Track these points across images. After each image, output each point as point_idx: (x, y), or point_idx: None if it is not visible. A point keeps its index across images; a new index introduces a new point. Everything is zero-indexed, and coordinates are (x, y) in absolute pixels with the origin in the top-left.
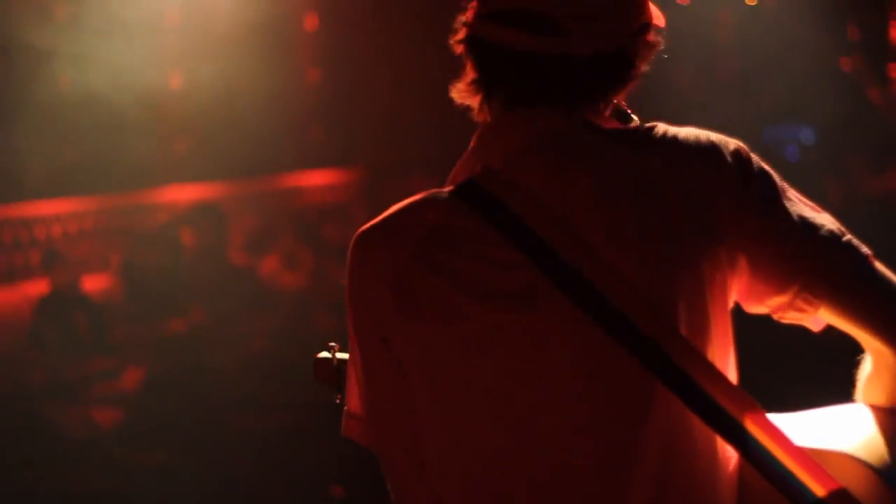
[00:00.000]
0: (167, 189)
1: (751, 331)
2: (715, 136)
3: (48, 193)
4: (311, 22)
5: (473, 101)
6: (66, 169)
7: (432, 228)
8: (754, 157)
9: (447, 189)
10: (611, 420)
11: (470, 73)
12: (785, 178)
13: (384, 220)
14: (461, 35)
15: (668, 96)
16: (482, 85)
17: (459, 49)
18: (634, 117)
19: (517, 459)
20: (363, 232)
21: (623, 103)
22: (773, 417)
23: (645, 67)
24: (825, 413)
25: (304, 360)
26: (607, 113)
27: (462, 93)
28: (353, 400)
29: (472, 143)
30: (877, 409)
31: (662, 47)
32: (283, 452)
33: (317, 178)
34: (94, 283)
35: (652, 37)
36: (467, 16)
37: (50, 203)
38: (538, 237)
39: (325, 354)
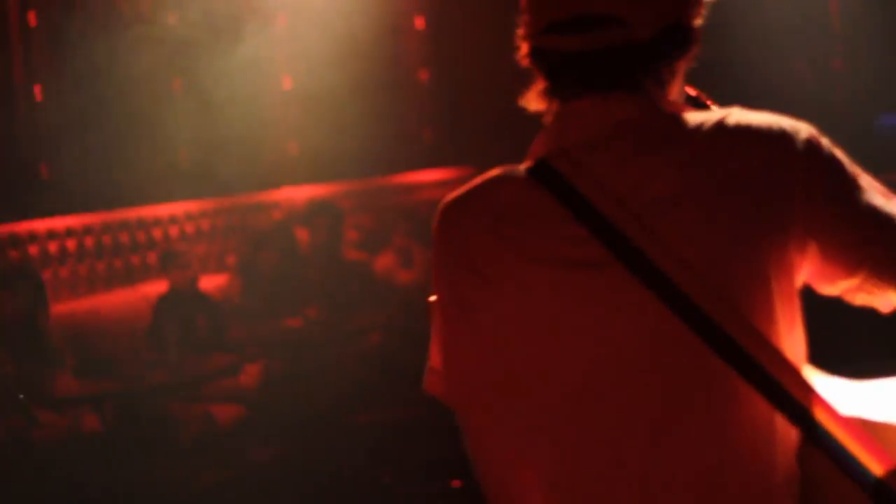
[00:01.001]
0: (283, 189)
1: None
2: (787, 123)
3: (165, 197)
4: (420, 22)
5: (545, 107)
6: (181, 172)
7: (506, 205)
8: (825, 144)
9: (523, 167)
10: (670, 393)
11: (540, 83)
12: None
13: (464, 195)
14: (525, 49)
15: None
16: (553, 90)
17: (525, 62)
18: (712, 106)
19: (577, 426)
20: (445, 205)
21: (700, 93)
22: (838, 384)
23: (700, 21)
24: (891, 383)
25: (418, 355)
26: (676, 89)
27: (533, 101)
28: (435, 356)
29: (548, 124)
30: None
31: None
32: (397, 446)
33: (429, 176)
34: (211, 283)
35: None
36: (523, 31)
37: (167, 205)
38: (604, 217)
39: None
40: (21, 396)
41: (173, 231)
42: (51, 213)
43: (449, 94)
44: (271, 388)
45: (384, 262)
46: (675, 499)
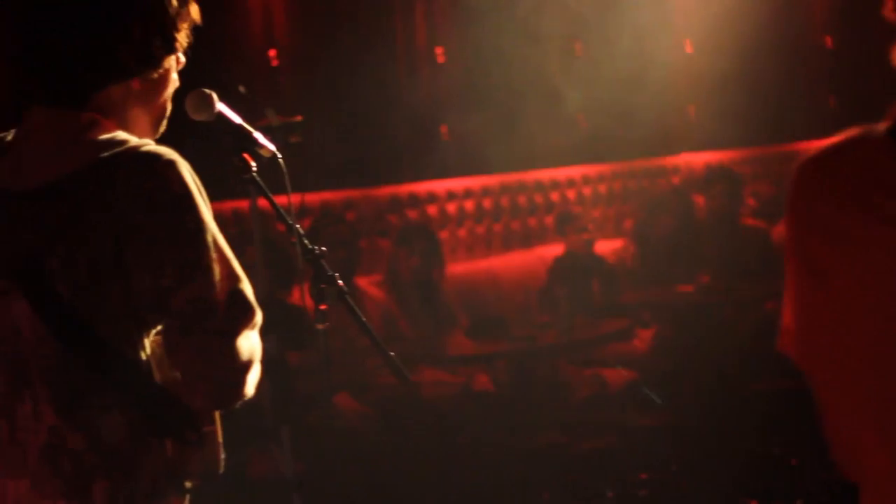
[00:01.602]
0: (681, 155)
1: None
2: None
3: (563, 160)
4: None
5: None
6: (580, 136)
7: (864, 167)
8: None
9: (883, 126)
10: None
11: None
12: None
13: (821, 155)
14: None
15: None
16: None
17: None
18: None
19: None
20: (802, 164)
21: None
22: None
23: None
24: None
25: None
26: None
27: None
28: (787, 315)
29: None
30: None
31: None
32: (788, 417)
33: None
34: (606, 246)
35: None
36: None
37: (564, 169)
38: None
39: None
40: (392, 354)
41: (570, 194)
42: (450, 174)
43: (855, 59)
44: (663, 354)
45: (782, 230)
46: None
